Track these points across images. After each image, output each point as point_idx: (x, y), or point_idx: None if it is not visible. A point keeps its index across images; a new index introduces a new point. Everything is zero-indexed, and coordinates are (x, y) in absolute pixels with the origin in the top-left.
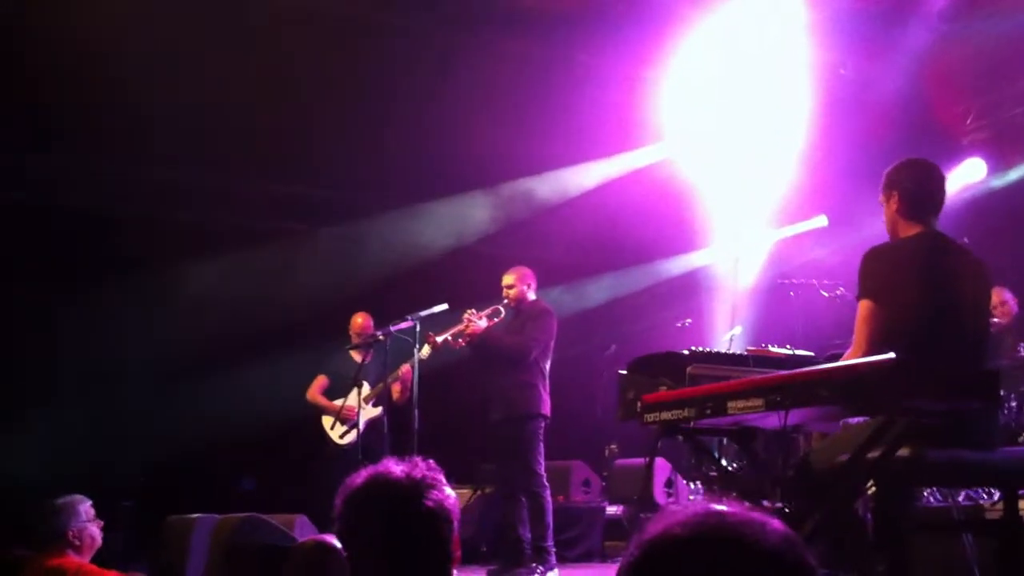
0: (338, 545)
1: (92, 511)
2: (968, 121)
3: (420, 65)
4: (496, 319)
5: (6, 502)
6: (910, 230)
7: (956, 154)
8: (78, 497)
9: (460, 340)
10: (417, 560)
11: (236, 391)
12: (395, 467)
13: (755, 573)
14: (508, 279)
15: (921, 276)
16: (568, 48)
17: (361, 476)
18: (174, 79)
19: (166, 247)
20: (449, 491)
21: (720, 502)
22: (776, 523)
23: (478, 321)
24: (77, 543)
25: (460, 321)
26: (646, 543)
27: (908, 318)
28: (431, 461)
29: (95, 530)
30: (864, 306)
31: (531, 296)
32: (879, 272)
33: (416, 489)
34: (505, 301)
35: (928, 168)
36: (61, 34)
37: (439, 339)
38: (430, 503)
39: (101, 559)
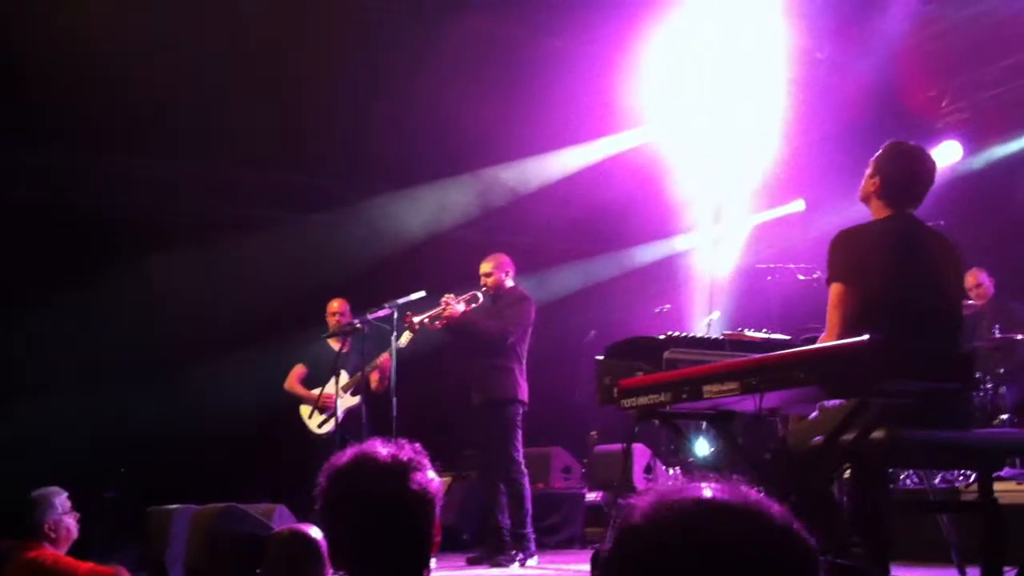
0: (316, 534)
1: (68, 503)
2: (944, 103)
3: (399, 51)
4: (474, 304)
5: None
6: (882, 212)
7: (932, 136)
8: (54, 489)
9: (437, 323)
10: (397, 542)
11: (214, 381)
12: (381, 448)
13: (760, 557)
14: (486, 267)
15: (891, 258)
16: (546, 33)
17: (346, 455)
18: (155, 70)
19: (142, 238)
20: (433, 475)
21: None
22: (776, 507)
23: (456, 305)
24: (53, 535)
25: (438, 305)
26: (630, 530)
27: (880, 300)
28: (418, 445)
29: (71, 522)
30: (835, 289)
31: (509, 283)
32: (849, 255)
33: (401, 471)
34: (483, 288)
35: (916, 163)
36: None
37: (416, 320)
38: (414, 486)
39: (83, 551)
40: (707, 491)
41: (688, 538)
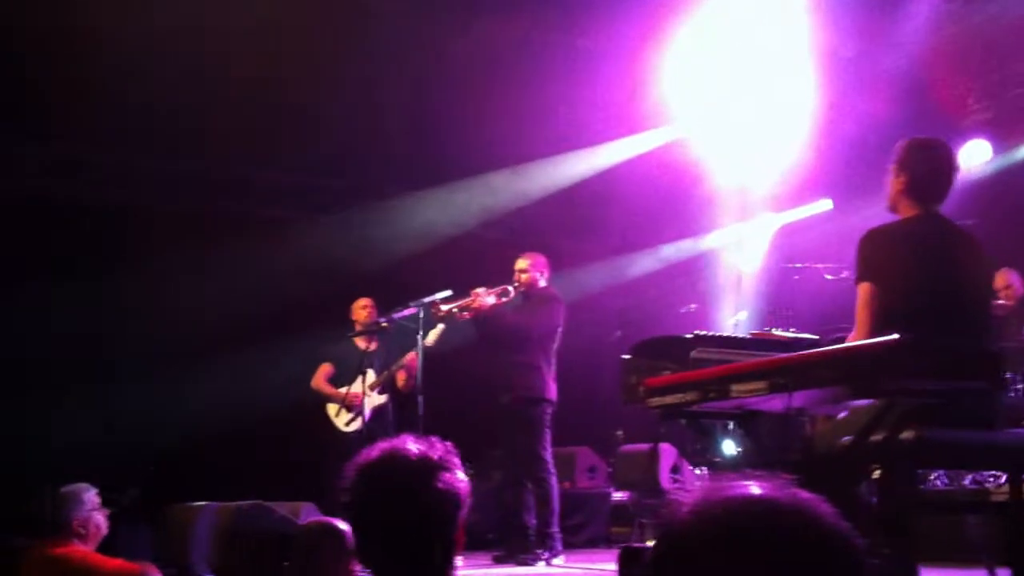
0: (343, 527)
1: (97, 499)
2: (970, 102)
3: (422, 51)
4: (504, 299)
5: (9, 492)
6: (910, 211)
7: (959, 135)
8: (83, 486)
9: (466, 313)
10: (421, 540)
11: (241, 379)
12: (412, 446)
13: (810, 557)
14: (522, 263)
15: (920, 257)
16: (570, 32)
17: (376, 450)
18: (172, 69)
19: (167, 236)
20: (461, 475)
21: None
22: (825, 506)
23: (486, 298)
24: (82, 532)
25: (468, 296)
26: (678, 526)
27: (908, 300)
28: (449, 444)
29: (100, 518)
30: (864, 289)
31: (542, 283)
32: (878, 255)
33: (428, 469)
34: (516, 284)
35: (941, 156)
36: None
37: (444, 309)
38: (441, 484)
39: (108, 548)
40: (755, 488)
41: (737, 536)
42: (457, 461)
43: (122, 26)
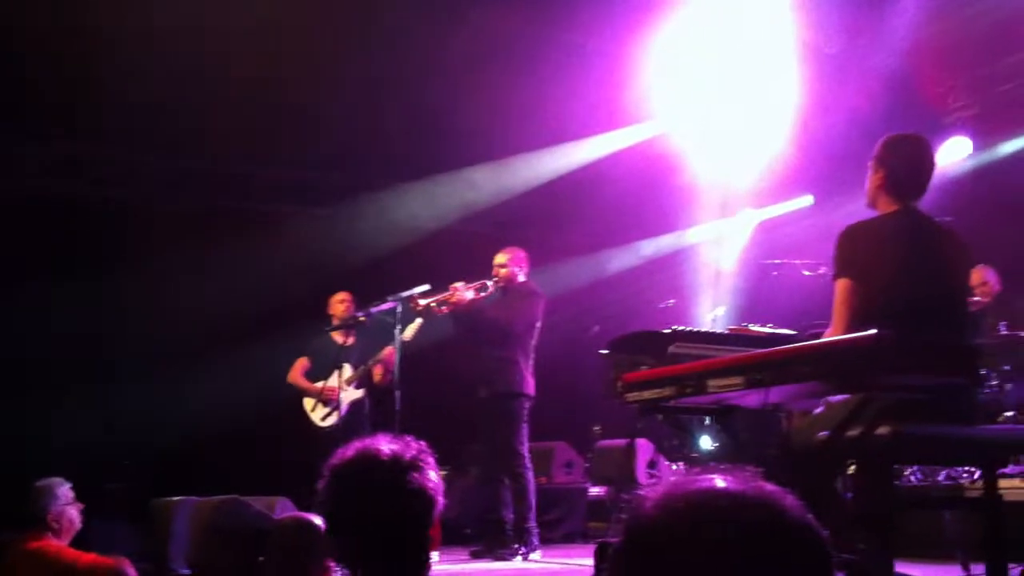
0: (318, 522)
1: (71, 494)
2: (952, 99)
3: (409, 45)
4: (483, 293)
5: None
6: (889, 207)
7: (941, 132)
8: (57, 480)
9: (444, 308)
10: (395, 539)
11: (217, 375)
12: (384, 446)
13: (774, 549)
14: (501, 258)
15: (899, 253)
16: (554, 27)
17: (351, 450)
18: (164, 65)
19: (149, 233)
20: (433, 475)
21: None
22: (790, 498)
23: (465, 292)
24: (56, 526)
25: (447, 290)
26: (642, 520)
27: (886, 296)
28: (423, 443)
29: (74, 513)
30: (842, 284)
31: (521, 278)
32: (856, 251)
33: (401, 469)
34: (495, 279)
35: (920, 151)
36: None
37: (423, 303)
38: (413, 485)
39: (84, 543)
40: (719, 482)
41: (701, 529)
42: (431, 460)
43: (122, 25)
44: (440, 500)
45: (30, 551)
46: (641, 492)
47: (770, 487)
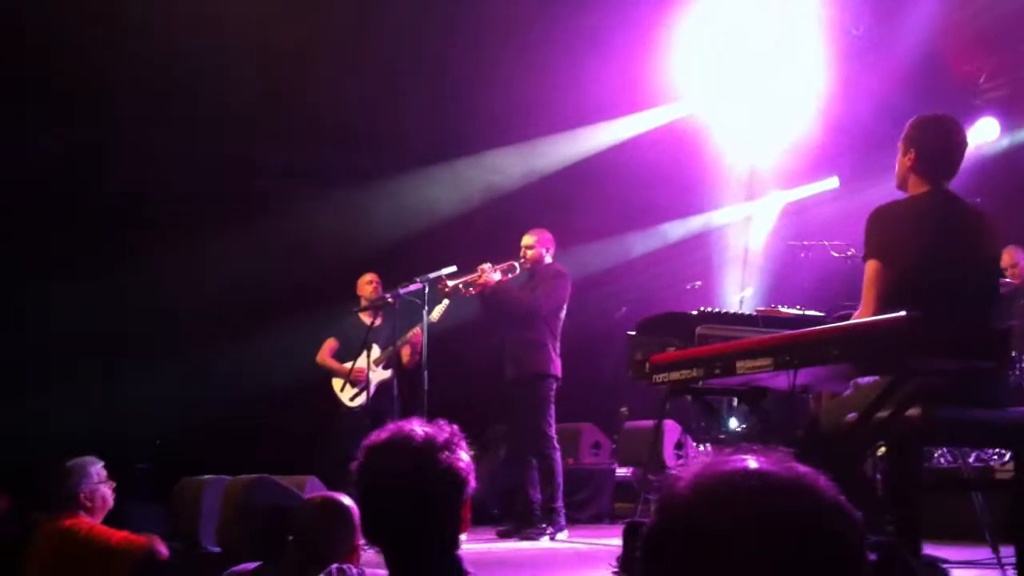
0: (347, 502)
1: (104, 472)
2: (982, 80)
3: (430, 26)
4: (510, 275)
5: (24, 469)
6: (919, 188)
7: (970, 113)
8: (89, 459)
9: (471, 289)
10: (426, 519)
11: (247, 355)
12: (418, 428)
13: (809, 530)
14: (528, 240)
15: (929, 235)
16: (580, 8)
17: (385, 431)
18: (182, 44)
19: (176, 214)
20: (465, 456)
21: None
22: (824, 480)
23: (492, 274)
24: (89, 504)
25: (475, 271)
26: (676, 500)
27: (916, 277)
28: (456, 427)
29: (107, 491)
30: (871, 266)
31: (548, 259)
32: (886, 232)
33: (432, 451)
34: (522, 260)
35: (950, 130)
36: None
37: (450, 284)
38: (444, 467)
39: (117, 521)
40: (752, 463)
41: (736, 510)
42: (463, 443)
43: (123, 11)
44: (471, 482)
45: (63, 529)
46: (673, 472)
47: (803, 468)
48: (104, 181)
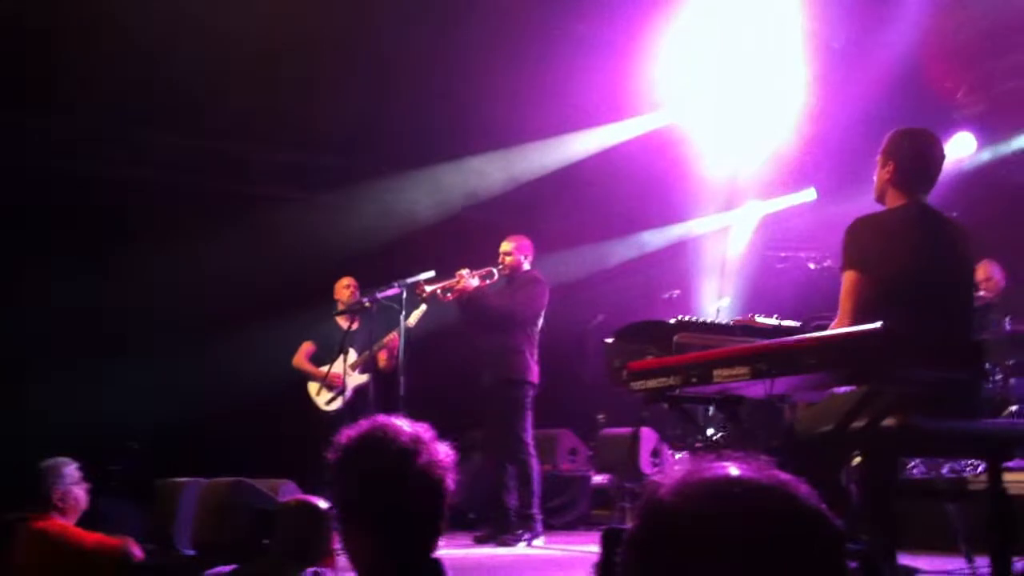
0: (323, 505)
1: (78, 473)
2: (960, 95)
3: (416, 31)
4: (488, 281)
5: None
6: (897, 200)
7: (948, 127)
8: (63, 460)
9: (449, 295)
10: (404, 520)
11: (223, 358)
12: (392, 425)
13: (789, 537)
14: (506, 246)
15: (906, 246)
16: (562, 16)
17: (358, 430)
18: (172, 44)
19: (152, 214)
20: (444, 450)
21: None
22: (804, 487)
23: (470, 279)
24: (62, 505)
25: (452, 277)
26: (658, 506)
27: (893, 288)
28: (427, 424)
29: (80, 492)
30: (849, 277)
31: (526, 266)
32: (864, 243)
33: (410, 449)
34: (500, 267)
35: (929, 143)
36: None
37: (428, 289)
38: (422, 464)
39: (90, 523)
40: (734, 469)
41: (721, 516)
42: (437, 441)
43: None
44: (451, 484)
45: (35, 530)
46: (654, 478)
47: (783, 475)
48: (92, 177)
